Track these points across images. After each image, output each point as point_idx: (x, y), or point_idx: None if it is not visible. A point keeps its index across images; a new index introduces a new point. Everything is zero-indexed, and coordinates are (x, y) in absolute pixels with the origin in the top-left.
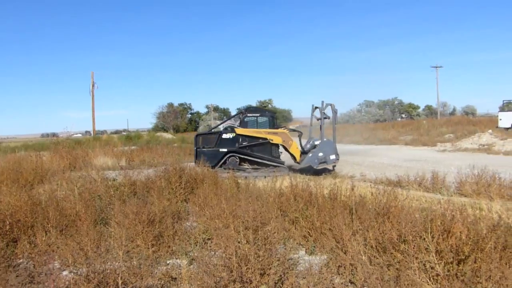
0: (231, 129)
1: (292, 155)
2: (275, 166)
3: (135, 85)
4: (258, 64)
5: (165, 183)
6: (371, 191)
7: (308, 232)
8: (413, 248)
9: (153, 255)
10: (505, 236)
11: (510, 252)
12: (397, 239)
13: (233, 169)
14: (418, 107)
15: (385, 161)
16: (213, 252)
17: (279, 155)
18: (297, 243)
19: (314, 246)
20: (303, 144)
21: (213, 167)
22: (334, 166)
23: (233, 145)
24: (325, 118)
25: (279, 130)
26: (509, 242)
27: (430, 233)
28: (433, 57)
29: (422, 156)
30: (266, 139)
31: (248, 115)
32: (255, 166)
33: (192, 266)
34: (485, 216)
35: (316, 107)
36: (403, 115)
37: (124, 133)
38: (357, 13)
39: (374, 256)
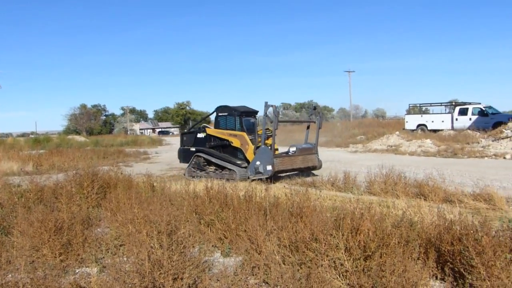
0: (204, 128)
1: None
2: (230, 170)
3: (44, 86)
4: (176, 65)
5: (76, 188)
6: (285, 192)
7: (224, 234)
8: (324, 246)
9: (60, 264)
10: (408, 232)
11: (412, 247)
12: (309, 238)
13: (198, 169)
14: (332, 110)
15: None
16: (125, 258)
17: (239, 160)
18: (212, 246)
19: (230, 248)
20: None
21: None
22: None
23: (203, 145)
24: (271, 121)
25: (239, 132)
26: (411, 237)
27: (340, 231)
28: (346, 62)
29: (335, 157)
30: (228, 140)
31: (219, 114)
32: (213, 169)
33: (103, 274)
34: (390, 213)
35: (315, 107)
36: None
37: (32, 136)
38: (274, 18)
39: (288, 256)
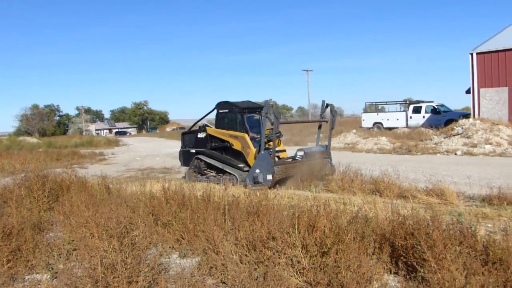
0: (204, 127)
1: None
2: (230, 174)
3: None
4: (134, 64)
5: (25, 191)
6: (244, 191)
7: (181, 235)
8: (281, 244)
9: (8, 271)
10: (363, 228)
11: (368, 242)
12: (266, 237)
13: (199, 173)
14: (291, 109)
15: None
16: (78, 263)
17: (241, 162)
18: (169, 247)
19: (187, 249)
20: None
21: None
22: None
23: (204, 146)
24: (271, 123)
25: (240, 133)
26: (366, 233)
27: (297, 229)
28: (305, 61)
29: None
30: (228, 142)
31: (219, 111)
32: (214, 173)
33: (54, 280)
34: (347, 210)
35: (328, 105)
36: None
37: None
38: (233, 17)
39: (245, 255)
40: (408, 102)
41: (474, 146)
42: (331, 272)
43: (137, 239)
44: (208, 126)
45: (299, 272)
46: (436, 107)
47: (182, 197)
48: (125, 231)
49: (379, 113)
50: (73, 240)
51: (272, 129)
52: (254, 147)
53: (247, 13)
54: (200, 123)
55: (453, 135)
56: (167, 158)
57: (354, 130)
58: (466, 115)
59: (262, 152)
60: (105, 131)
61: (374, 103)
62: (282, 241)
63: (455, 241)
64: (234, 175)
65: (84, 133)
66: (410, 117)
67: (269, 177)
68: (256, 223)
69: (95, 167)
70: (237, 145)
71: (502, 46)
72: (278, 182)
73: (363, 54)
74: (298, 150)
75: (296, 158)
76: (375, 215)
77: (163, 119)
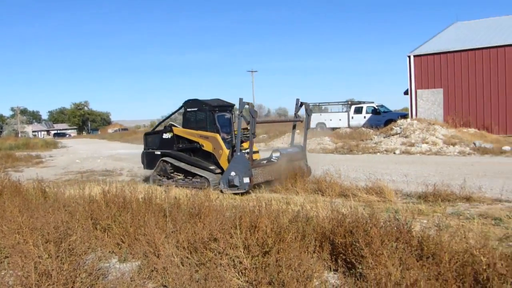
0: (170, 127)
1: (222, 168)
2: (201, 177)
3: None
4: (73, 63)
5: None
6: (186, 193)
7: (121, 238)
8: (223, 245)
9: None
10: (304, 227)
11: (308, 241)
12: (208, 238)
13: (165, 176)
14: (236, 109)
15: None
16: (11, 271)
17: (213, 164)
18: (109, 252)
19: (128, 253)
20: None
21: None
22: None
23: (170, 147)
24: (247, 122)
25: (211, 133)
26: (307, 231)
27: (239, 229)
28: (249, 62)
29: None
30: (198, 143)
31: (187, 109)
32: (182, 176)
33: None
34: (289, 210)
35: (302, 103)
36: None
37: None
38: (179, 16)
39: (186, 257)
40: (350, 103)
41: (412, 145)
42: (272, 271)
43: (74, 244)
44: (175, 126)
45: (241, 273)
46: (376, 107)
47: (123, 200)
48: (62, 236)
49: (322, 114)
50: (4, 247)
51: (245, 129)
52: (227, 148)
53: (193, 12)
54: (165, 123)
55: (392, 135)
56: (108, 160)
57: (298, 131)
58: (404, 116)
59: (238, 153)
60: (42, 132)
61: (318, 104)
62: (224, 242)
63: (391, 237)
64: (206, 178)
65: (20, 135)
66: (352, 118)
67: (246, 180)
68: (197, 225)
69: (31, 171)
70: (207, 146)
71: (437, 49)
72: (255, 185)
73: (306, 56)
74: (274, 151)
75: (272, 159)
76: (316, 214)
77: (105, 120)
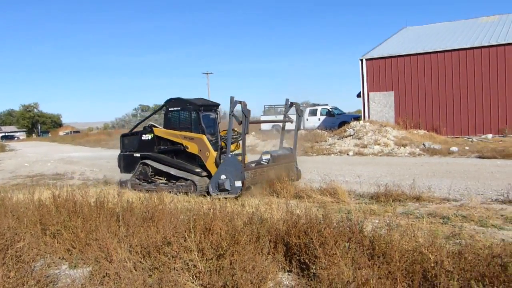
0: (150, 128)
1: (209, 171)
2: (187, 180)
3: None
4: (22, 64)
5: None
6: (139, 196)
7: (72, 244)
8: (177, 249)
9: None
10: (259, 229)
11: (263, 242)
12: (161, 242)
13: (145, 180)
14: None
15: None
16: None
17: (198, 167)
18: (59, 258)
19: (78, 259)
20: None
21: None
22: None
23: (150, 149)
24: (239, 122)
25: (196, 134)
26: (261, 233)
27: (193, 232)
28: (205, 64)
29: None
30: (181, 144)
31: (170, 109)
32: (164, 179)
33: None
34: (244, 212)
35: (292, 104)
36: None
37: None
38: (131, 17)
39: (140, 262)
40: (304, 105)
41: (365, 146)
42: (226, 274)
43: (22, 251)
44: (155, 127)
45: (195, 276)
46: (330, 110)
47: (74, 204)
48: (8, 243)
49: (277, 116)
50: None
51: (233, 130)
52: (215, 150)
53: (148, 13)
54: (143, 124)
55: (346, 137)
56: (59, 163)
57: (254, 133)
58: (357, 118)
59: (229, 155)
60: None
61: (273, 106)
62: (177, 245)
63: (344, 237)
64: (192, 182)
65: None
66: (307, 120)
67: (238, 183)
68: (151, 229)
69: None
70: (192, 148)
71: (388, 53)
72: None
73: (263, 58)
74: (264, 153)
75: (262, 162)
76: (270, 216)
77: (56, 123)
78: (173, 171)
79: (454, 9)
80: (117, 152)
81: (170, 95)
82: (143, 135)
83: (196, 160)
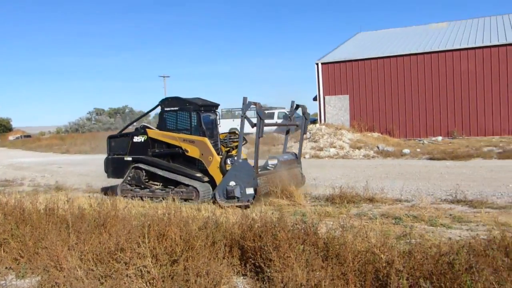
0: (143, 129)
1: (212, 177)
2: (188, 186)
3: None
4: None
5: None
6: (91, 202)
7: (20, 253)
8: (130, 255)
9: None
10: (214, 233)
11: (218, 247)
12: (114, 249)
13: (137, 186)
14: (149, 115)
15: None
16: None
17: (198, 171)
18: (5, 268)
19: (26, 268)
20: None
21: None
22: (249, 203)
23: (144, 152)
24: (253, 125)
25: (197, 137)
26: (217, 238)
27: (147, 238)
28: (161, 67)
29: None
30: (180, 148)
31: (166, 109)
32: (160, 185)
33: None
34: (200, 216)
35: (298, 106)
36: (135, 123)
37: None
38: (82, 18)
39: (91, 269)
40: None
41: (321, 149)
42: (180, 279)
43: None
44: (149, 128)
45: (149, 283)
46: (287, 113)
47: (22, 211)
48: None
49: (234, 119)
50: None
51: (233, 133)
52: (219, 155)
53: (102, 15)
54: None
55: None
56: (8, 169)
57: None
58: (314, 121)
59: (240, 160)
60: None
61: (230, 110)
62: (130, 251)
63: (299, 240)
64: (194, 188)
65: None
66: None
67: (250, 191)
68: (103, 235)
69: None
70: (193, 152)
71: (343, 57)
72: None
73: (220, 61)
74: (270, 158)
75: (268, 167)
76: (226, 220)
77: (5, 127)
78: (172, 176)
79: (406, 16)
80: (71, 157)
81: (126, 98)
82: (135, 137)
83: (196, 164)
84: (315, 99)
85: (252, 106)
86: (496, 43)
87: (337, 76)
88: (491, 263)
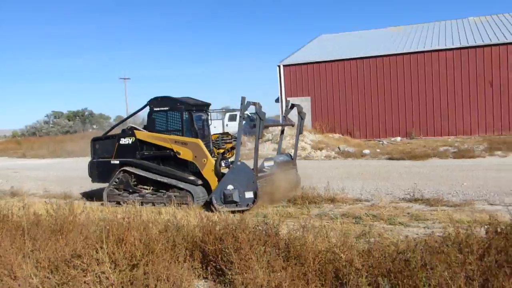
0: (131, 131)
1: (206, 180)
2: (181, 190)
3: None
4: None
5: None
6: (47, 208)
7: None
8: (88, 261)
9: None
10: (174, 236)
11: (179, 250)
12: (71, 255)
13: (126, 190)
14: (109, 118)
15: (73, 174)
16: None
17: (191, 174)
18: None
19: None
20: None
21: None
22: (248, 207)
23: (132, 154)
24: (252, 126)
25: (190, 139)
26: (177, 241)
27: (106, 243)
28: (121, 69)
29: None
30: (171, 150)
31: (155, 109)
32: (151, 189)
33: None
34: (159, 220)
35: (293, 105)
36: (95, 126)
37: None
38: (40, 18)
39: (47, 277)
40: (224, 110)
41: (283, 151)
42: (140, 284)
43: None
44: (137, 129)
45: None
46: (250, 115)
47: None
48: None
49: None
50: None
51: (225, 133)
52: (213, 157)
53: (59, 15)
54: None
55: (265, 141)
56: None
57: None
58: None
59: (239, 162)
60: None
61: None
62: (88, 258)
63: (260, 241)
64: (188, 192)
65: None
66: (227, 125)
67: (249, 195)
68: (60, 242)
69: None
70: (186, 154)
71: (305, 59)
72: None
73: (181, 63)
74: (266, 159)
75: (264, 169)
76: (187, 223)
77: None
78: (163, 179)
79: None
80: (28, 161)
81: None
82: (122, 139)
83: (188, 167)
84: (277, 100)
85: (251, 105)
86: (451, 46)
87: (299, 78)
88: (445, 260)
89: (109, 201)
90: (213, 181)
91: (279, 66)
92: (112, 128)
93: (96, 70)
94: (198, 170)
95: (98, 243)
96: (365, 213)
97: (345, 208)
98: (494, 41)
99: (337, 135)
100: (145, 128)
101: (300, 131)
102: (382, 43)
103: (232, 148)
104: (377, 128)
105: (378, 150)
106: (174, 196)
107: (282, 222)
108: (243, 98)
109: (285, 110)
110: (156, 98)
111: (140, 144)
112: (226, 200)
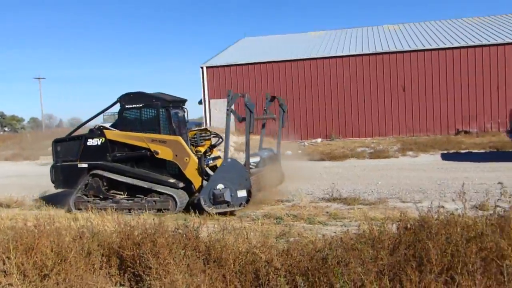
0: (100, 131)
1: (188, 181)
2: (162, 194)
3: None
4: None
5: None
6: None
7: None
8: None
9: None
10: (89, 243)
11: (95, 257)
12: None
13: (96, 196)
14: (22, 120)
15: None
16: None
17: (171, 176)
18: None
19: None
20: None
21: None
22: (241, 207)
23: (101, 157)
24: (240, 120)
25: (169, 136)
26: (92, 248)
27: (14, 253)
28: (35, 68)
29: (22, 171)
30: (148, 149)
31: (127, 106)
32: (125, 195)
33: None
34: (74, 226)
35: (274, 97)
36: (6, 128)
37: None
38: None
39: None
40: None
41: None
42: None
43: None
44: (107, 128)
45: None
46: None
47: None
48: None
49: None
50: None
51: (205, 129)
52: (196, 156)
53: None
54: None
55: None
56: None
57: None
58: (200, 125)
59: (229, 159)
60: None
61: (114, 114)
62: None
63: (180, 245)
64: (170, 196)
65: None
66: None
67: (242, 193)
68: None
69: None
70: (165, 153)
71: (228, 61)
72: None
73: (101, 64)
74: (251, 155)
75: (250, 165)
76: (103, 229)
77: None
78: (140, 183)
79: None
80: None
81: None
82: (90, 140)
83: (166, 168)
84: (200, 102)
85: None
86: (367, 51)
87: (222, 79)
88: (359, 256)
89: (77, 209)
90: (197, 182)
91: (202, 68)
92: (77, 128)
93: (7, 69)
94: (178, 171)
95: (5, 253)
96: (286, 213)
97: (267, 209)
98: (406, 47)
99: (258, 136)
100: (113, 126)
101: (282, 125)
102: (303, 47)
103: (213, 146)
104: (298, 129)
105: (299, 152)
106: (154, 201)
107: (202, 224)
108: (229, 91)
109: (266, 104)
110: (128, 94)
111: (111, 144)
112: (216, 200)
